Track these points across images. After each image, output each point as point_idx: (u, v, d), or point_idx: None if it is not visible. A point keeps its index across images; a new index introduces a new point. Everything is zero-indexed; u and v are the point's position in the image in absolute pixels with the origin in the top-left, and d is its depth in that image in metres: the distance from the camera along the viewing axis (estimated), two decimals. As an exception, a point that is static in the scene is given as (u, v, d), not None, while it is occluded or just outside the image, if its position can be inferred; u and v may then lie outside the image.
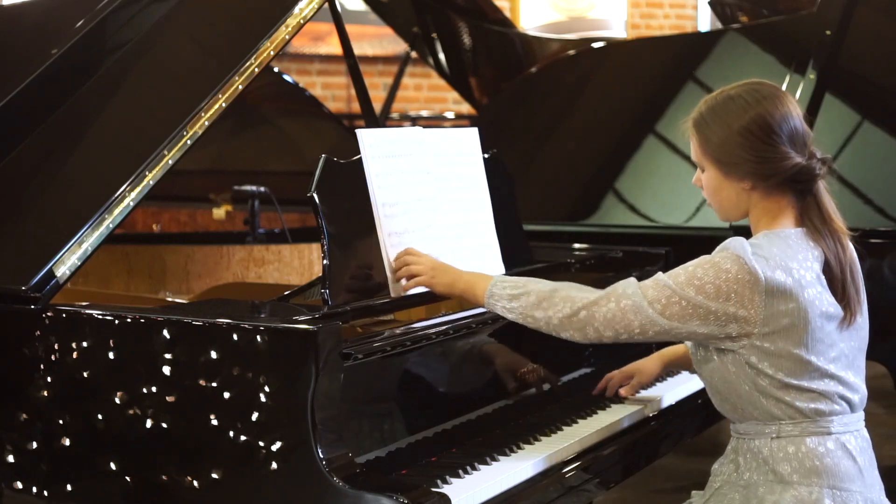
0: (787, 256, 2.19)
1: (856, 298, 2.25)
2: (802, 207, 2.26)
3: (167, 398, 2.11)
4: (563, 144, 4.30)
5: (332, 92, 7.57)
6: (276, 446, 2.01)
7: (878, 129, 3.53)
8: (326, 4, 2.92)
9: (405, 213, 2.48)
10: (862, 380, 2.29)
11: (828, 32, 3.77)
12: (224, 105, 2.52)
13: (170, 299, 3.00)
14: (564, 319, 2.25)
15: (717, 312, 2.16)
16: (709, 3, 5.63)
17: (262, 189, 3.97)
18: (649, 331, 2.20)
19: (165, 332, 2.13)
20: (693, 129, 2.31)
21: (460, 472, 2.19)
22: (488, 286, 2.31)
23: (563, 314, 2.24)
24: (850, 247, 2.28)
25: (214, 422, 2.06)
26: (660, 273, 2.25)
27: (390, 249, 2.41)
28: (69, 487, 2.20)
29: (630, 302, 2.20)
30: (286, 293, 2.58)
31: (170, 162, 2.43)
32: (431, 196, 2.56)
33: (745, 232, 3.41)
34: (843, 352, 2.24)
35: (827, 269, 2.23)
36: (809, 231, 2.25)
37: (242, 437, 2.03)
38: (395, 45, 7.13)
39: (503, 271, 2.71)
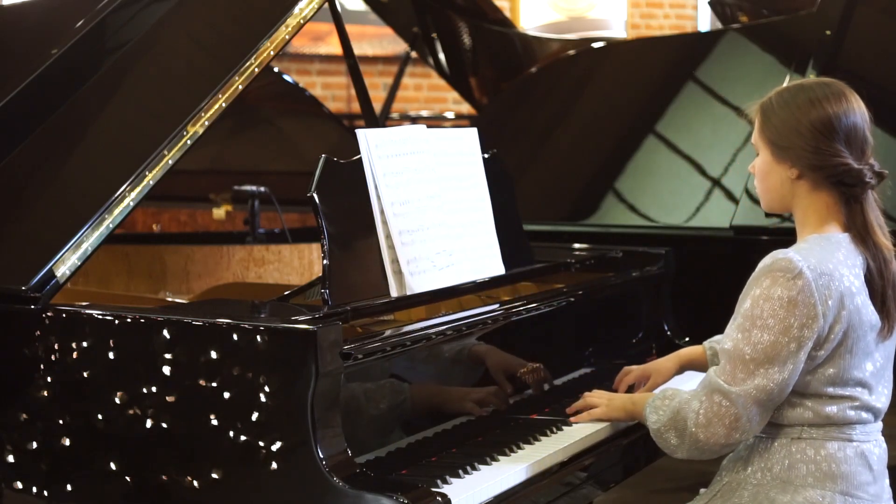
0: (837, 261, 2.18)
1: (895, 314, 2.25)
2: (848, 214, 2.25)
3: (167, 398, 2.12)
4: (564, 144, 4.30)
5: (332, 92, 7.57)
6: (276, 446, 2.01)
7: (878, 129, 3.51)
8: (326, 4, 2.92)
9: (417, 210, 2.48)
10: (889, 390, 2.30)
11: (828, 32, 3.77)
12: (224, 105, 2.52)
13: (170, 299, 3.00)
14: (693, 451, 2.24)
15: (791, 341, 2.14)
16: (709, 3, 5.62)
17: (262, 189, 3.97)
18: (764, 398, 2.16)
19: (165, 332, 2.13)
20: (759, 111, 2.32)
21: (460, 472, 2.19)
22: (645, 405, 2.35)
23: (687, 447, 2.24)
24: (894, 262, 2.27)
25: (214, 422, 2.06)
26: (726, 342, 2.22)
27: (400, 248, 2.41)
28: (69, 487, 2.20)
29: (719, 397, 2.18)
30: (286, 293, 2.58)
31: (170, 162, 2.43)
32: (438, 194, 2.57)
33: (746, 233, 3.42)
34: (878, 362, 2.25)
35: (869, 279, 2.23)
36: (854, 237, 2.24)
37: (242, 437, 2.03)
38: (395, 45, 7.12)
39: (503, 271, 2.71)
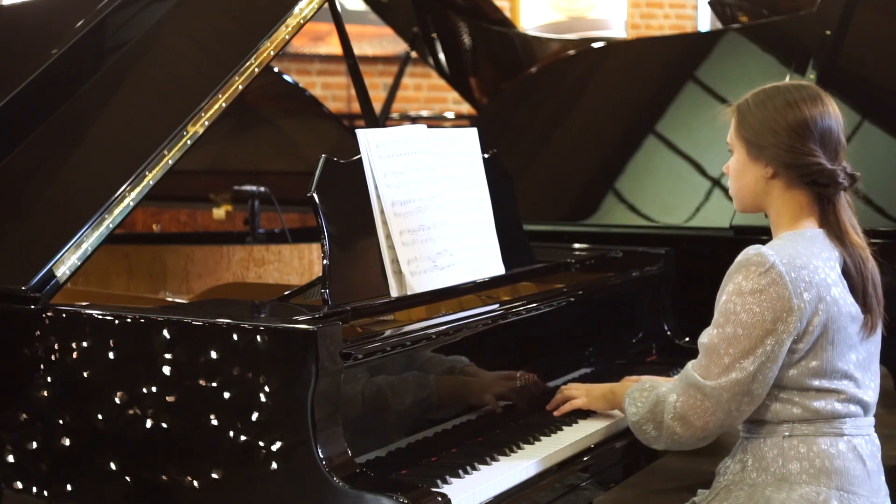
0: (811, 255, 2.20)
1: (877, 309, 2.28)
2: (822, 213, 2.28)
3: (167, 398, 2.12)
4: (564, 144, 4.30)
5: (332, 92, 7.57)
6: (276, 446, 2.01)
7: (878, 129, 3.53)
8: (326, 4, 2.92)
9: (418, 210, 2.48)
10: (876, 385, 2.31)
11: (828, 32, 3.77)
12: (224, 105, 2.52)
13: (170, 299, 3.00)
14: (671, 443, 2.28)
15: (766, 335, 2.16)
16: (709, 3, 5.63)
17: (262, 189, 3.97)
18: (739, 391, 2.18)
19: (165, 332, 2.13)
20: (735, 112, 2.34)
21: (460, 472, 2.19)
22: (625, 395, 2.38)
23: (665, 439, 2.28)
24: (871, 260, 2.30)
25: (214, 422, 2.06)
26: (703, 336, 2.25)
27: (401, 248, 2.41)
28: (69, 487, 2.20)
29: (693, 391, 2.21)
30: (286, 293, 2.58)
31: (170, 162, 2.43)
32: (439, 194, 2.57)
33: (746, 233, 3.42)
34: (861, 354, 2.26)
35: (846, 274, 2.25)
36: (828, 234, 2.27)
37: (242, 437, 2.03)
38: (395, 45, 7.13)
39: (503, 271, 2.71)
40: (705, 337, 2.23)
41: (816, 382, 2.21)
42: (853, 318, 2.23)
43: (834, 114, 2.28)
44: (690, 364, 2.26)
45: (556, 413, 2.55)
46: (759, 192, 2.31)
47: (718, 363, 2.19)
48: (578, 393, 2.56)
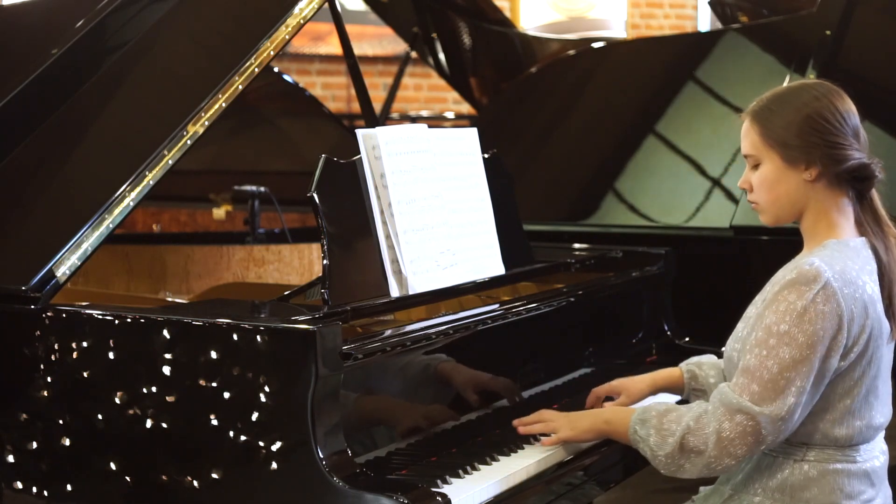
0: (861, 270, 2.14)
1: None
2: (860, 212, 2.21)
3: (167, 398, 2.12)
4: (563, 144, 4.30)
5: (332, 92, 7.57)
6: (276, 446, 2.01)
7: (878, 129, 3.53)
8: (326, 4, 2.92)
9: (422, 210, 2.48)
10: (889, 397, 2.25)
11: (828, 32, 3.77)
12: (224, 105, 2.52)
13: (170, 299, 3.00)
14: (705, 470, 2.16)
15: (819, 354, 2.08)
16: (709, 3, 5.62)
17: (262, 189, 3.97)
18: (789, 414, 2.08)
19: (165, 332, 2.13)
20: (752, 120, 2.22)
21: (460, 472, 2.19)
22: (630, 424, 2.24)
23: (700, 467, 2.16)
24: None
25: (214, 422, 2.06)
26: (749, 359, 2.12)
27: (404, 247, 2.41)
28: (69, 487, 2.20)
29: (743, 418, 2.09)
30: (286, 293, 2.58)
31: (170, 162, 2.43)
32: (440, 194, 2.57)
33: (746, 233, 3.42)
34: (883, 366, 2.21)
35: (878, 277, 2.18)
36: (868, 238, 2.20)
37: (242, 437, 2.03)
38: (395, 45, 7.13)
39: (503, 271, 2.71)
40: (752, 359, 2.10)
41: (847, 401, 2.15)
42: (888, 331, 2.18)
43: (854, 107, 2.21)
44: (729, 388, 2.13)
45: (545, 441, 2.37)
46: (799, 199, 2.19)
47: (774, 388, 2.07)
48: (557, 424, 2.36)
